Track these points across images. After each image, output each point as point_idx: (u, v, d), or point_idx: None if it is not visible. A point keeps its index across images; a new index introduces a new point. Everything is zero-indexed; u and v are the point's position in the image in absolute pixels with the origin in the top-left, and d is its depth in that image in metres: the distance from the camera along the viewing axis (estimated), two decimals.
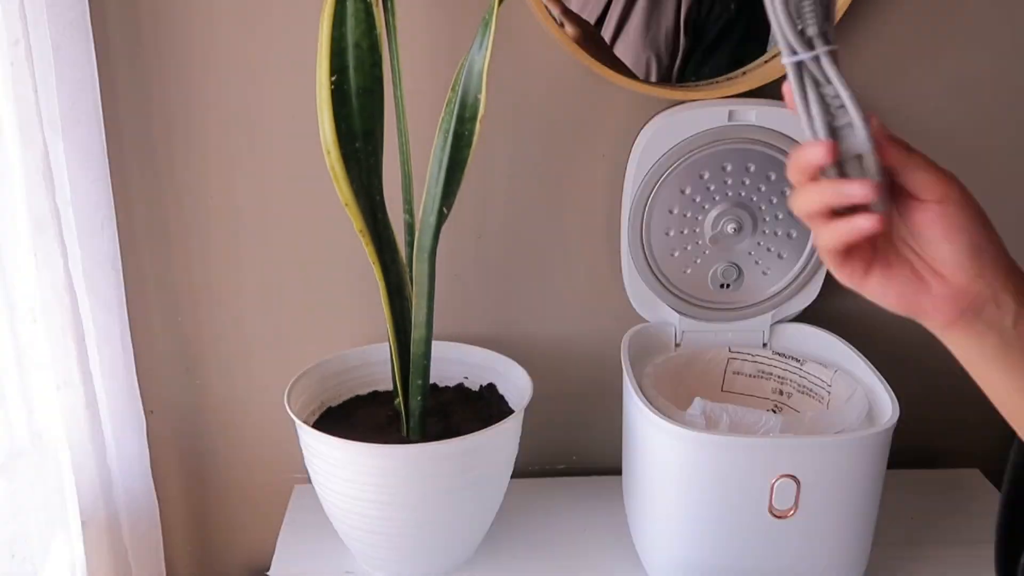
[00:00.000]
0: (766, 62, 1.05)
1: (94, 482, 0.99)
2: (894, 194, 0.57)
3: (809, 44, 0.55)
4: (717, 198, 1.05)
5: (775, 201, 1.05)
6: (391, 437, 0.99)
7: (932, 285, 0.58)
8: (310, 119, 0.89)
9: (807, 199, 0.57)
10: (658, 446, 0.93)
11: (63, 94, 0.93)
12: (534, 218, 1.12)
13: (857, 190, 0.55)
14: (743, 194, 1.05)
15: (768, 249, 1.07)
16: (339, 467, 0.93)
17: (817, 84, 0.56)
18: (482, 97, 0.87)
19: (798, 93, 0.56)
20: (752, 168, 1.03)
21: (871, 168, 0.55)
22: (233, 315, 1.14)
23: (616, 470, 1.10)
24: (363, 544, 0.99)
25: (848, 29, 1.04)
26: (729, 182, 1.04)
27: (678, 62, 1.05)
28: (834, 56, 0.55)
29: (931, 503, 1.14)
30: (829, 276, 1.09)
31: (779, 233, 1.06)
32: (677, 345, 1.11)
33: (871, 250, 0.59)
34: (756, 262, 1.08)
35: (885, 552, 1.02)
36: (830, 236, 0.57)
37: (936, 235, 0.57)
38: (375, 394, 1.09)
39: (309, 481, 1.02)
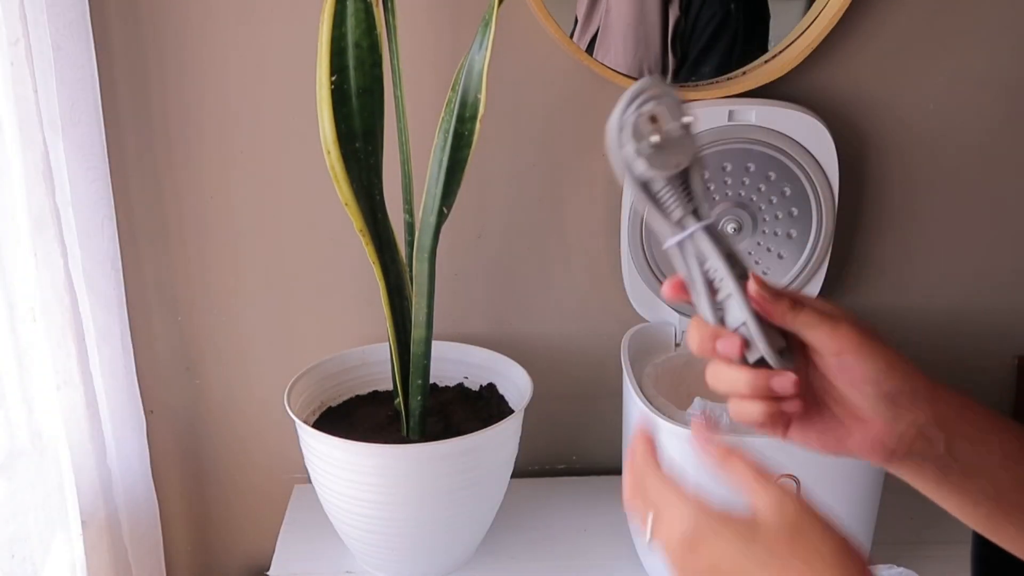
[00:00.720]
0: (766, 62, 1.05)
1: (94, 482, 0.99)
2: (801, 349, 0.56)
3: (680, 225, 0.55)
4: (717, 198, 1.05)
5: (775, 201, 1.05)
6: (391, 437, 0.99)
7: (854, 430, 0.56)
8: (310, 119, 0.89)
9: (724, 383, 0.56)
10: (658, 446, 0.93)
11: (63, 94, 0.93)
12: (534, 218, 1.12)
13: (777, 384, 0.54)
14: (743, 194, 1.05)
15: (768, 249, 1.07)
16: (339, 467, 0.93)
17: (700, 261, 0.55)
18: (482, 97, 0.87)
19: (684, 273, 0.56)
20: (752, 168, 1.03)
21: (753, 335, 0.54)
22: (233, 315, 1.14)
23: (616, 470, 1.10)
24: (363, 544, 0.99)
25: (848, 28, 1.04)
26: (729, 182, 1.04)
27: (668, 79, 1.05)
28: (711, 231, 0.54)
29: (931, 502, 1.14)
30: (829, 277, 1.09)
31: (779, 233, 1.06)
32: (677, 345, 1.11)
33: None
34: (756, 262, 1.08)
35: (885, 551, 1.02)
36: (748, 413, 0.56)
37: (844, 386, 0.55)
38: (375, 394, 1.09)
39: (309, 481, 1.02)
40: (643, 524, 0.53)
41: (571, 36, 1.03)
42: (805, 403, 0.57)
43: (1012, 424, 0.57)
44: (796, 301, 0.54)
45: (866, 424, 0.56)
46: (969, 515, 0.58)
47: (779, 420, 0.57)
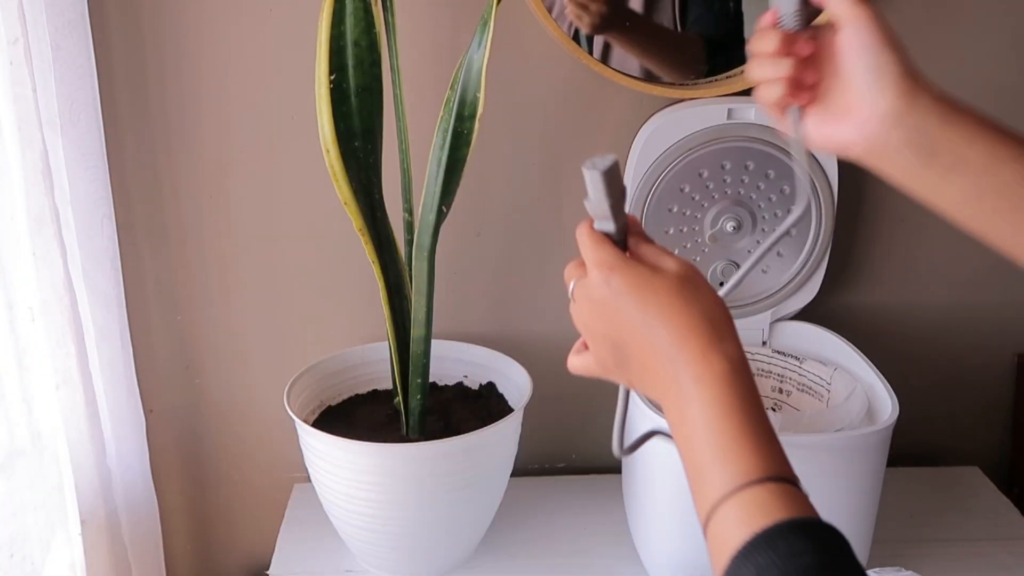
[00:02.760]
0: None
1: (93, 481, 0.99)
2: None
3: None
4: (716, 196, 1.05)
5: (774, 199, 1.05)
6: (390, 436, 0.99)
7: (845, 120, 0.62)
8: (309, 118, 0.89)
9: (760, 47, 0.65)
10: (658, 445, 0.93)
11: (62, 93, 0.93)
12: (533, 216, 1.12)
13: (799, 46, 0.63)
14: (742, 192, 1.05)
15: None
16: (339, 466, 0.93)
17: None
18: (481, 96, 0.87)
19: None
20: (751, 166, 1.03)
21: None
22: (232, 314, 1.14)
23: (616, 469, 1.10)
24: (363, 543, 0.99)
25: None
26: (728, 180, 1.04)
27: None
28: None
29: (930, 501, 1.14)
30: (828, 274, 1.09)
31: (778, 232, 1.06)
32: None
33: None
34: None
35: (885, 550, 1.01)
36: (775, 79, 0.64)
37: (845, 59, 0.62)
38: (375, 393, 1.09)
39: (309, 480, 1.02)
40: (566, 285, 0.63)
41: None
42: (817, 90, 0.64)
43: (1005, 132, 0.60)
44: None
45: (855, 111, 0.62)
46: (949, 212, 0.62)
47: (799, 90, 0.64)
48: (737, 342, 0.57)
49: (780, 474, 0.52)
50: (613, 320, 0.58)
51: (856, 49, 0.61)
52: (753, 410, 0.54)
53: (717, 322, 0.56)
